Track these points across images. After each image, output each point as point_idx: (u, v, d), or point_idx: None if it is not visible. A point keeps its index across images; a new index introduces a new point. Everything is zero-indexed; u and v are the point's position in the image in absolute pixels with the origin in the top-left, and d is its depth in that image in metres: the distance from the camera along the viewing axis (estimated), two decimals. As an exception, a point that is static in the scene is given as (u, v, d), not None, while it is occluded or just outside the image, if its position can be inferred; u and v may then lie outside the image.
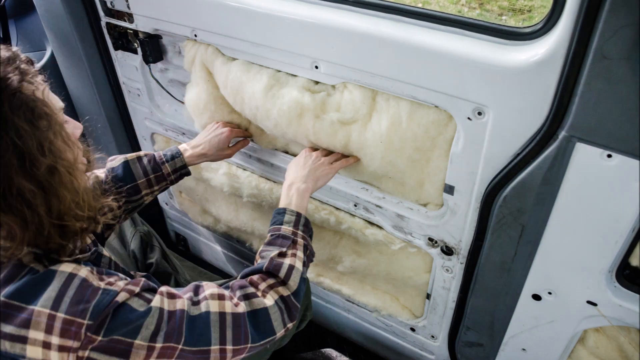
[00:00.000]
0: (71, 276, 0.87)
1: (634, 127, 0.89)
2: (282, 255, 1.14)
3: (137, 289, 0.93)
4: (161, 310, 0.94)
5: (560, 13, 0.93)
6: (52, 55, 2.11)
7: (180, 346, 0.94)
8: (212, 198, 2.04)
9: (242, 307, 1.04)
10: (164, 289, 0.98)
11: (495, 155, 1.13)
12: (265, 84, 1.39)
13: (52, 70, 2.13)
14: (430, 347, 1.74)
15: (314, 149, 1.40)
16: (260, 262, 1.13)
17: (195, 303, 1.00)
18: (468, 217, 1.29)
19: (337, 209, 1.58)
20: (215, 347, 0.99)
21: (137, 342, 0.89)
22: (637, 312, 1.12)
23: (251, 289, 1.07)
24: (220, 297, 1.02)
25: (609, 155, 0.95)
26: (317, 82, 1.36)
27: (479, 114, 1.10)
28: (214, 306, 1.00)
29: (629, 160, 0.94)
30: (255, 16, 1.31)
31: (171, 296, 0.97)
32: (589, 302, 1.18)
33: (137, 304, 0.92)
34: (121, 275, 0.96)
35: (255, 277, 1.10)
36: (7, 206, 0.82)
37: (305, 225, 1.23)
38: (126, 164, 1.37)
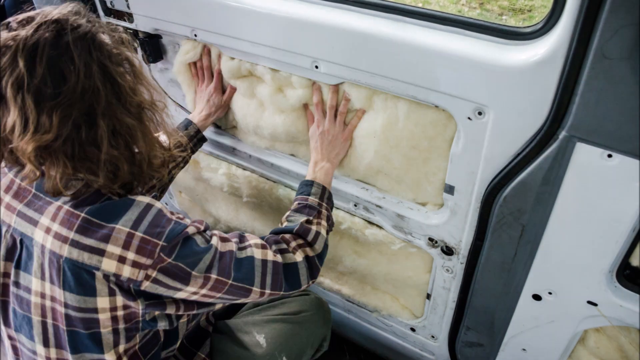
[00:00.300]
0: (149, 205, 0.99)
1: (635, 127, 0.89)
2: (309, 222, 1.26)
3: (201, 227, 1.07)
4: (216, 249, 1.06)
5: (561, 13, 0.93)
6: (52, 55, 2.10)
7: (230, 281, 1.07)
8: (212, 198, 2.04)
9: (279, 259, 1.16)
10: (216, 232, 1.12)
11: (495, 155, 1.13)
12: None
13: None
14: (431, 347, 1.74)
15: (323, 114, 1.41)
16: (290, 224, 1.25)
17: (242, 248, 1.12)
18: (468, 217, 1.29)
19: (337, 208, 1.58)
20: (256, 289, 1.12)
21: (194, 272, 1.01)
22: (637, 312, 1.11)
23: (284, 245, 1.20)
24: (263, 247, 1.15)
25: (610, 155, 0.95)
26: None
27: (479, 113, 1.10)
28: (257, 253, 1.13)
29: (630, 160, 0.93)
30: (255, 16, 1.31)
31: (223, 240, 1.11)
32: (589, 302, 1.18)
33: (200, 240, 1.04)
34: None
35: (287, 236, 1.23)
36: (116, 142, 0.96)
37: (328, 198, 1.35)
38: None
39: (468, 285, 1.41)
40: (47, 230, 0.96)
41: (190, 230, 1.03)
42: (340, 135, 1.39)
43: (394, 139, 1.30)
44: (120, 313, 1.00)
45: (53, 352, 1.04)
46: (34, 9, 0.97)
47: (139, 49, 1.73)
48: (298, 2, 1.27)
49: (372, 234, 1.53)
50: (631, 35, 0.81)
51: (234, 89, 1.60)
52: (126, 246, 0.94)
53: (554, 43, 0.93)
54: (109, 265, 0.94)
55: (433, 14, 1.12)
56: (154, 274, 0.96)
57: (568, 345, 1.32)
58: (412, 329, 1.74)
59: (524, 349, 1.42)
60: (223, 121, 1.69)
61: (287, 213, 1.29)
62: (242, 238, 1.16)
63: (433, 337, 1.70)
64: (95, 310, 0.98)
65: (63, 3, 1.02)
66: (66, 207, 0.96)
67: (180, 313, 1.07)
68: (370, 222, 1.54)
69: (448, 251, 1.41)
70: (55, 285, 0.97)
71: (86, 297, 0.96)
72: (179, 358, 1.33)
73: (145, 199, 1.00)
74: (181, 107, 1.74)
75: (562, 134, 0.98)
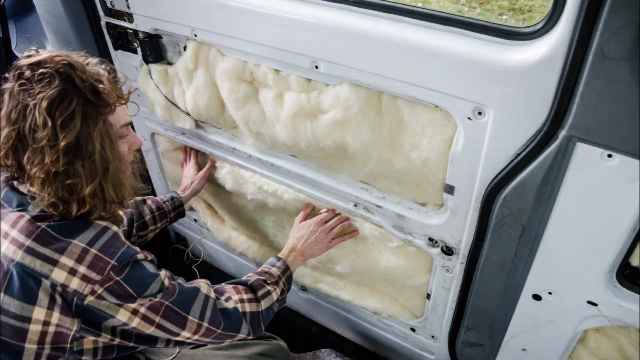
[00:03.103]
0: (106, 228, 1.06)
1: (635, 127, 0.89)
2: (265, 282, 1.38)
3: (150, 257, 1.14)
4: (162, 280, 1.12)
5: (561, 13, 0.93)
6: (52, 55, 2.10)
7: (167, 302, 1.11)
8: (215, 197, 2.04)
9: (221, 303, 1.25)
10: (167, 272, 1.18)
11: (495, 155, 1.13)
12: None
13: (52, 70, 2.13)
14: (431, 347, 1.74)
15: (319, 217, 1.59)
16: (246, 278, 1.37)
17: (190, 283, 1.22)
18: (468, 217, 1.29)
19: (336, 207, 1.58)
20: (192, 318, 1.16)
21: (139, 299, 1.06)
22: (637, 312, 1.11)
23: (232, 295, 1.29)
24: (209, 285, 1.25)
25: (610, 155, 0.95)
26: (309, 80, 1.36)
27: (479, 113, 1.10)
28: (204, 288, 1.22)
29: (630, 160, 0.93)
30: (255, 16, 1.31)
31: (171, 277, 1.18)
32: (589, 302, 1.18)
33: (149, 266, 1.11)
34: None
35: (239, 287, 1.33)
36: (89, 166, 1.03)
37: (289, 278, 1.46)
38: (135, 205, 1.63)
39: (468, 285, 1.41)
40: (5, 235, 1.02)
41: (140, 256, 1.10)
42: (324, 244, 1.55)
43: (396, 140, 1.30)
44: (50, 329, 1.01)
45: None
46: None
47: (138, 49, 1.73)
48: (298, 2, 1.27)
49: (371, 233, 1.53)
50: (631, 35, 0.81)
51: (212, 164, 1.83)
52: (79, 260, 0.99)
53: (554, 43, 0.93)
54: (59, 275, 0.98)
55: (433, 14, 1.11)
56: (100, 290, 1.01)
57: (568, 345, 1.32)
58: (412, 329, 1.74)
59: (524, 349, 1.42)
60: (222, 122, 1.69)
61: (251, 274, 1.41)
62: (189, 281, 1.24)
63: (433, 337, 1.70)
64: (29, 320, 0.99)
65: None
66: (27, 217, 1.02)
67: (114, 343, 1.10)
68: (369, 221, 1.54)
69: (448, 251, 1.41)
70: None
71: (25, 304, 0.99)
72: None
73: (103, 222, 1.07)
74: (177, 106, 1.74)
75: (562, 134, 0.98)
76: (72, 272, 0.99)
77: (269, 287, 1.37)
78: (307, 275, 1.89)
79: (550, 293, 1.24)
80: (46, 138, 0.98)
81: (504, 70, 1.01)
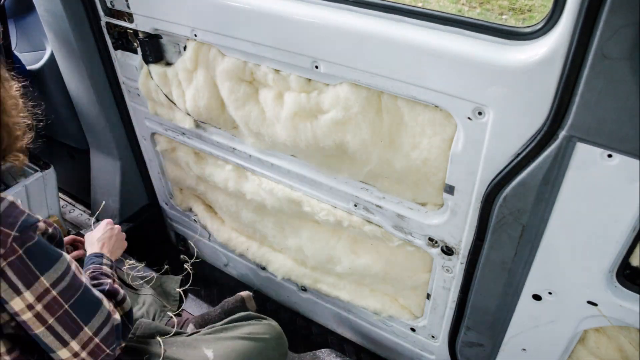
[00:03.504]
0: (0, 198, 0.97)
1: (635, 127, 0.89)
2: (114, 283, 1.25)
3: (51, 229, 1.04)
4: (69, 263, 1.05)
5: (561, 13, 0.93)
6: (51, 55, 2.10)
7: (66, 307, 1.03)
8: (213, 197, 2.04)
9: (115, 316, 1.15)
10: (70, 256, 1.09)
11: (495, 155, 1.13)
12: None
13: (51, 70, 2.13)
14: (431, 347, 1.74)
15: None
16: (100, 287, 1.20)
17: (95, 286, 1.15)
18: (468, 217, 1.29)
19: (337, 208, 1.58)
20: (87, 330, 1.07)
21: (42, 278, 0.99)
22: (637, 312, 1.11)
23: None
24: (108, 299, 1.16)
25: (610, 155, 0.95)
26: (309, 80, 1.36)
27: (479, 113, 1.10)
28: (105, 303, 1.12)
29: (630, 160, 0.93)
30: (255, 16, 1.31)
31: (76, 266, 1.09)
32: (589, 302, 1.18)
33: (52, 247, 1.03)
34: None
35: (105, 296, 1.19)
36: None
37: (111, 267, 1.35)
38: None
39: (468, 285, 1.41)
40: None
41: (41, 225, 1.01)
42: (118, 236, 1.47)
43: (396, 140, 1.30)
44: None
45: None
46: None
47: (138, 49, 1.73)
48: (298, 2, 1.27)
49: (370, 230, 1.53)
50: (631, 35, 0.81)
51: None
52: None
53: (554, 43, 0.93)
54: None
55: (433, 14, 1.11)
56: (2, 264, 0.94)
57: (568, 345, 1.32)
58: (412, 329, 1.74)
59: (524, 349, 1.42)
60: (222, 122, 1.69)
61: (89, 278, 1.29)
62: (93, 277, 1.20)
63: (433, 337, 1.70)
64: None
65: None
66: None
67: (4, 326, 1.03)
68: (368, 221, 1.54)
69: (448, 251, 1.41)
70: None
71: None
72: None
73: (6, 197, 0.99)
74: (177, 106, 1.74)
75: (562, 134, 0.98)
76: None
77: (118, 287, 1.26)
78: (307, 275, 1.89)
79: (550, 293, 1.24)
80: None
81: (504, 70, 1.01)
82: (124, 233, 1.52)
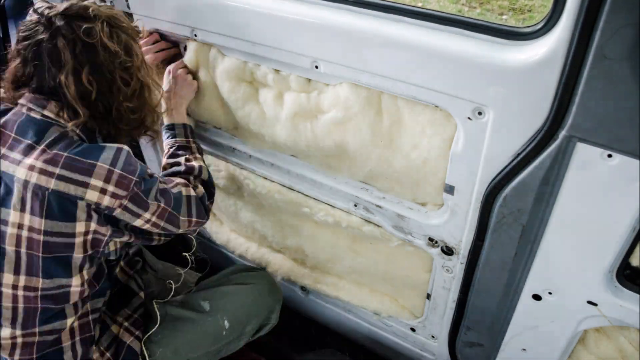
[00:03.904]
0: (120, 148, 1.20)
1: (635, 127, 0.89)
2: (188, 160, 1.48)
3: (149, 171, 1.29)
4: (158, 182, 1.29)
5: (561, 13, 0.93)
6: (52, 55, 2.10)
7: (169, 209, 1.31)
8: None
9: (193, 192, 1.40)
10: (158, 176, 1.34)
11: (495, 155, 1.13)
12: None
13: (52, 70, 2.13)
14: (431, 347, 1.74)
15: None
16: (176, 168, 1.46)
17: (172, 187, 1.36)
18: (468, 217, 1.29)
19: (336, 207, 1.58)
20: (183, 218, 1.35)
21: (149, 200, 1.25)
22: (637, 312, 1.11)
23: (189, 183, 1.42)
24: (185, 185, 1.39)
25: (610, 155, 0.95)
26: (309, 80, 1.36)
27: (479, 113, 1.10)
28: (184, 190, 1.37)
29: (630, 160, 0.93)
30: (255, 16, 1.31)
31: (163, 182, 1.34)
32: (589, 302, 1.18)
33: (149, 174, 1.28)
34: None
35: (183, 176, 1.43)
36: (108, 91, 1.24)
37: (192, 132, 1.57)
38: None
39: (468, 285, 1.41)
40: (31, 168, 1.13)
41: (148, 171, 1.28)
42: (187, 81, 1.57)
43: (396, 140, 1.30)
44: (89, 237, 1.20)
45: (22, 279, 1.19)
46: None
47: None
48: (298, 2, 1.27)
49: (370, 231, 1.53)
50: (631, 35, 0.81)
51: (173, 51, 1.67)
52: (107, 180, 1.15)
53: (554, 43, 0.93)
54: (92, 195, 1.15)
55: (433, 14, 1.12)
56: (126, 202, 1.20)
57: (568, 345, 1.32)
58: (412, 329, 1.74)
59: (524, 349, 1.43)
60: (222, 122, 1.69)
61: (165, 159, 1.50)
62: (167, 180, 1.38)
63: (433, 337, 1.70)
64: (73, 234, 1.17)
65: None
66: (47, 149, 1.15)
67: (130, 240, 1.31)
68: (368, 221, 1.54)
69: (448, 251, 1.41)
70: (36, 215, 1.15)
71: (67, 223, 1.16)
72: (107, 313, 1.47)
73: (114, 144, 1.20)
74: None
75: (562, 134, 0.98)
76: (103, 191, 1.15)
77: (194, 162, 1.47)
78: (306, 275, 1.89)
79: (550, 293, 1.24)
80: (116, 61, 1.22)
81: (504, 70, 1.01)
82: (186, 75, 1.58)
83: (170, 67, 1.57)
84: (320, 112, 1.37)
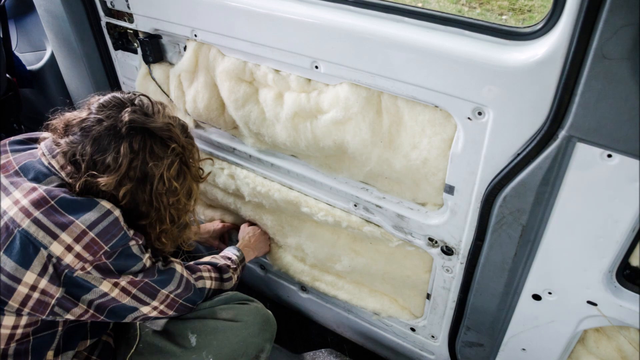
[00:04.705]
0: (108, 212, 1.15)
1: (634, 127, 0.89)
2: (229, 267, 1.60)
3: (140, 240, 1.23)
4: (144, 262, 1.24)
5: (561, 13, 0.93)
6: (52, 55, 2.11)
7: (146, 280, 1.24)
8: (212, 197, 2.04)
9: (192, 279, 1.42)
10: (149, 255, 1.29)
11: (495, 155, 1.13)
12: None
13: (52, 70, 2.13)
14: (431, 347, 1.74)
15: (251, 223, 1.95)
16: (214, 260, 1.59)
17: (165, 264, 1.35)
18: (468, 217, 1.29)
19: (336, 207, 1.58)
20: (164, 291, 1.30)
21: (122, 275, 1.19)
22: (637, 312, 1.11)
23: (204, 274, 1.49)
24: (182, 264, 1.41)
25: (609, 155, 0.95)
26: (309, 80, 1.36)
27: (479, 113, 1.10)
28: (178, 268, 1.36)
29: (629, 160, 0.93)
30: (255, 16, 1.31)
31: (151, 258, 1.29)
32: (589, 302, 1.18)
33: (136, 250, 1.21)
34: None
35: (210, 267, 1.54)
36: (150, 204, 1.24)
37: (243, 268, 1.70)
38: None
39: (468, 285, 1.41)
40: (16, 202, 1.11)
41: (132, 242, 1.19)
42: (267, 241, 1.91)
43: (396, 140, 1.30)
44: (35, 295, 1.11)
45: None
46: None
47: (139, 49, 1.73)
48: (298, 2, 1.27)
49: (370, 231, 1.53)
50: (631, 35, 0.81)
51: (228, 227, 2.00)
52: (77, 240, 1.10)
53: (554, 43, 0.93)
54: (56, 248, 1.09)
55: (433, 14, 1.12)
56: (89, 268, 1.13)
57: (568, 345, 1.32)
58: (412, 329, 1.74)
59: (524, 349, 1.43)
60: (222, 122, 1.69)
61: (212, 256, 1.63)
62: (165, 261, 1.37)
63: (433, 337, 1.70)
64: (19, 280, 1.10)
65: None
66: (40, 191, 1.12)
67: (84, 317, 1.20)
68: (368, 221, 1.54)
69: (448, 251, 1.41)
70: None
71: (19, 267, 1.09)
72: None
73: (107, 205, 1.16)
74: (177, 107, 1.75)
75: (562, 134, 0.98)
76: (69, 248, 1.10)
77: (231, 273, 1.58)
78: (305, 272, 1.89)
79: (550, 293, 1.24)
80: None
81: (504, 70, 1.01)
82: (264, 235, 1.90)
83: (247, 226, 1.90)
84: (320, 112, 1.37)
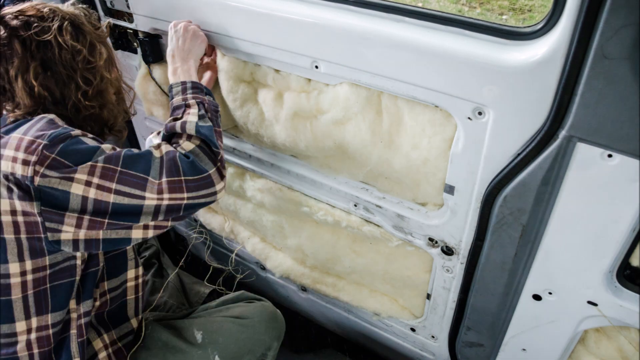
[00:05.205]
0: (44, 117, 1.16)
1: (635, 127, 0.89)
2: (175, 119, 1.28)
3: (91, 135, 1.18)
4: (103, 149, 1.14)
5: (561, 13, 0.93)
6: (52, 55, 2.10)
7: (119, 168, 1.13)
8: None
9: (172, 149, 1.22)
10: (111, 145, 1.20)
11: (495, 155, 1.13)
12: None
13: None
14: (431, 348, 1.74)
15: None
16: (161, 136, 1.32)
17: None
18: (468, 217, 1.29)
19: (336, 207, 1.58)
20: (152, 179, 1.15)
21: (78, 168, 1.09)
22: (637, 312, 1.11)
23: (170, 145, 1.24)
24: (157, 147, 1.22)
25: (610, 155, 0.95)
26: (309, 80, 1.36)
27: (479, 113, 1.10)
28: (152, 150, 1.20)
29: (630, 160, 0.93)
30: (255, 16, 1.31)
31: (114, 148, 1.19)
32: (589, 302, 1.18)
33: (88, 141, 1.15)
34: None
35: (163, 142, 1.26)
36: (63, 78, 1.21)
37: (193, 87, 1.36)
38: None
39: (468, 285, 1.41)
40: None
41: (75, 132, 1.14)
42: (198, 35, 1.42)
43: (396, 140, 1.30)
44: (20, 219, 1.09)
45: None
46: None
47: (138, 49, 1.73)
48: (298, 2, 1.27)
49: (370, 231, 1.53)
50: (631, 35, 0.81)
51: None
52: (17, 148, 1.08)
53: (554, 43, 0.93)
54: (5, 165, 1.08)
55: (433, 14, 1.12)
56: (41, 169, 1.06)
57: (568, 345, 1.32)
58: (412, 329, 1.74)
59: (524, 349, 1.43)
60: (222, 123, 1.69)
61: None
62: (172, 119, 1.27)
63: (433, 337, 1.70)
64: None
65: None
66: None
67: (80, 237, 1.12)
68: (368, 221, 1.54)
69: (448, 251, 1.41)
70: None
71: None
72: (97, 329, 1.33)
73: (49, 115, 1.16)
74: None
75: (562, 134, 0.98)
76: (14, 160, 1.08)
77: (179, 120, 1.26)
78: (306, 275, 1.89)
79: (550, 293, 1.24)
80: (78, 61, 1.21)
81: (504, 70, 1.01)
82: (193, 26, 1.43)
83: (172, 23, 1.44)
84: (320, 112, 1.37)
